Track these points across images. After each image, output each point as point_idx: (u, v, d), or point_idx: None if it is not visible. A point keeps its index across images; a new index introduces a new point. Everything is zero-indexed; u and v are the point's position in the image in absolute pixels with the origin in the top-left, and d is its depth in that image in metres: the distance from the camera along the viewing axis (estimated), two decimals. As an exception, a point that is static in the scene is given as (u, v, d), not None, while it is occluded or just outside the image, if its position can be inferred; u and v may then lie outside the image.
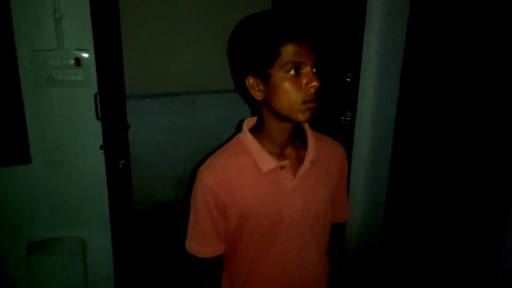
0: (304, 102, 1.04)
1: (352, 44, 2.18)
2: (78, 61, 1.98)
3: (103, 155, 2.05)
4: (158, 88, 3.11)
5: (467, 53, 1.74)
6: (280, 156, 1.17)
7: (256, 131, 1.19)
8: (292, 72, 1.03)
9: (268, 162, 1.14)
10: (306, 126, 1.23)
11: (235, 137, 1.22)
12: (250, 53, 1.07)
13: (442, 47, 1.85)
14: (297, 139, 1.20)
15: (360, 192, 2.34)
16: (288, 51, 1.01)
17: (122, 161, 1.99)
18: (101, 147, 2.02)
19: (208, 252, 1.22)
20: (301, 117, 1.06)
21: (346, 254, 2.28)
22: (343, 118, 2.27)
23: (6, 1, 1.86)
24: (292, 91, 1.03)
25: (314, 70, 1.04)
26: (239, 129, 1.22)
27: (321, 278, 1.32)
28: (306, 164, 1.17)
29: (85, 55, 1.99)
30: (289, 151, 1.18)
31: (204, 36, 3.08)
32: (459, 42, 1.78)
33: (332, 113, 2.29)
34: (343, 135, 2.30)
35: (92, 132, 2.06)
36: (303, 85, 1.03)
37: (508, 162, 1.58)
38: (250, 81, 1.10)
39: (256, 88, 1.10)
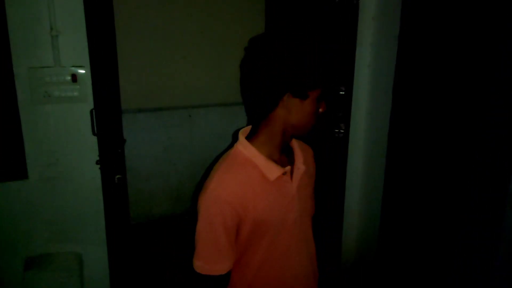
0: (314, 123, 1.19)
1: (344, 58, 2.21)
2: (74, 77, 2.01)
3: (99, 170, 2.06)
4: (154, 102, 3.13)
5: (457, 67, 1.77)
6: (280, 162, 1.23)
7: (252, 140, 1.22)
8: (321, 99, 1.18)
9: (274, 171, 1.19)
10: None
11: (234, 148, 1.23)
12: (302, 74, 1.14)
13: (433, 60, 1.89)
14: (285, 147, 1.27)
15: (355, 204, 2.35)
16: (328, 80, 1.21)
17: (118, 176, 2.00)
18: (97, 162, 2.04)
19: (225, 268, 1.19)
20: (306, 131, 1.21)
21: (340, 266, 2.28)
22: (336, 130, 2.29)
23: (3, 18, 1.89)
24: (314, 113, 1.17)
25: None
26: (234, 139, 1.25)
27: (315, 273, 1.38)
28: (301, 167, 1.25)
29: (81, 71, 2.02)
30: (282, 157, 1.25)
31: (200, 50, 3.12)
32: (450, 56, 1.81)
33: (326, 125, 2.32)
34: (337, 147, 2.32)
35: (88, 147, 2.08)
36: (319, 109, 1.19)
37: (499, 177, 1.60)
38: (285, 98, 1.14)
39: (285, 105, 1.15)
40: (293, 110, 1.15)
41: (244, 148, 1.21)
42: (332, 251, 2.48)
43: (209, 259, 1.18)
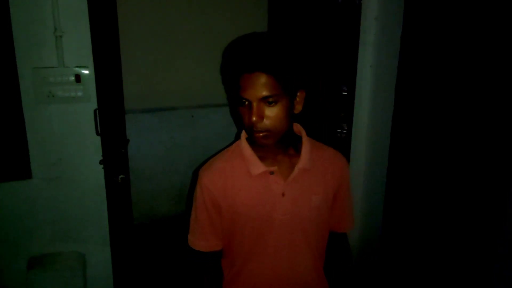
0: (251, 130, 1.16)
1: (347, 58, 2.21)
2: (78, 77, 2.01)
3: (102, 170, 2.07)
4: (157, 102, 3.14)
5: (460, 66, 1.78)
6: (273, 161, 1.26)
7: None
8: (243, 103, 1.15)
9: (257, 167, 1.24)
10: (303, 134, 1.32)
11: (235, 143, 1.33)
12: (223, 81, 1.22)
13: (436, 60, 1.89)
14: (290, 147, 1.28)
15: (357, 204, 2.36)
16: (240, 86, 1.14)
17: (122, 176, 2.00)
18: (100, 162, 2.04)
19: (206, 246, 1.31)
20: (255, 140, 1.18)
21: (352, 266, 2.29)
22: (339, 131, 2.30)
23: (7, 19, 1.90)
24: (243, 119, 1.17)
25: (269, 101, 1.12)
26: (239, 136, 1.33)
27: (315, 285, 1.36)
28: (296, 171, 1.25)
29: (85, 71, 2.02)
30: (281, 157, 1.27)
31: (202, 50, 3.12)
32: (452, 55, 1.81)
33: (328, 126, 2.32)
34: (340, 147, 2.32)
35: (91, 147, 2.09)
36: (249, 116, 1.14)
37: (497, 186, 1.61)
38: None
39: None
40: None
41: (240, 142, 1.30)
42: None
43: (194, 234, 1.32)
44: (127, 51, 2.50)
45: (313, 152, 1.29)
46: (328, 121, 2.35)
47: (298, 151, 1.29)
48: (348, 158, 2.31)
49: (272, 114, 1.13)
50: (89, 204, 2.19)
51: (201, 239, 1.31)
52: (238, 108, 1.18)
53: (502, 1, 1.57)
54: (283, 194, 1.24)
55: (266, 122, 1.13)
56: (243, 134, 1.31)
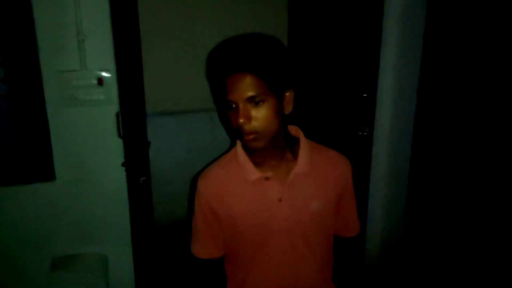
0: (240, 134, 1.14)
1: (368, 59, 2.19)
2: (100, 80, 2.04)
3: (124, 172, 2.09)
4: (177, 105, 3.15)
5: (485, 66, 1.74)
6: (269, 167, 1.24)
7: None
8: (230, 107, 1.13)
9: (252, 173, 1.23)
10: (301, 137, 1.29)
11: (232, 149, 1.32)
12: (210, 86, 1.21)
13: (459, 61, 1.86)
14: (285, 151, 1.26)
15: (379, 207, 2.33)
16: (224, 90, 1.12)
17: (143, 178, 2.02)
18: (122, 164, 2.06)
19: (205, 253, 1.32)
20: (246, 144, 1.16)
21: (363, 268, 2.26)
22: (360, 133, 2.27)
23: (31, 23, 1.93)
24: (231, 123, 1.15)
25: (254, 102, 1.10)
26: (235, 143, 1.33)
27: None
28: (292, 175, 1.23)
29: (107, 74, 2.05)
30: (277, 162, 1.25)
31: (222, 54, 3.13)
32: (476, 56, 1.78)
33: (349, 128, 2.30)
34: (361, 149, 2.30)
35: (114, 149, 2.11)
36: (236, 119, 1.12)
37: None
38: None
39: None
40: None
41: (236, 148, 1.29)
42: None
43: (196, 242, 1.33)
44: (148, 54, 2.52)
45: (312, 155, 1.26)
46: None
47: (296, 155, 1.26)
48: (369, 161, 2.29)
49: (259, 115, 1.11)
50: (111, 206, 2.21)
51: (201, 246, 1.32)
52: (227, 113, 1.16)
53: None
54: (280, 200, 1.22)
55: (254, 123, 1.11)
56: (239, 141, 1.29)
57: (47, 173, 2.10)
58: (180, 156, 3.26)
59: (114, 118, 2.06)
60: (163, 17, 2.89)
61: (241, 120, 1.10)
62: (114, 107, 2.06)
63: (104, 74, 2.04)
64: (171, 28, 2.94)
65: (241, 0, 3.04)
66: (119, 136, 2.05)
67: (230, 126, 1.18)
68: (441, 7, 1.92)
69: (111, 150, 2.12)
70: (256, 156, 1.23)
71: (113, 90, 2.05)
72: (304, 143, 1.27)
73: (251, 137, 1.12)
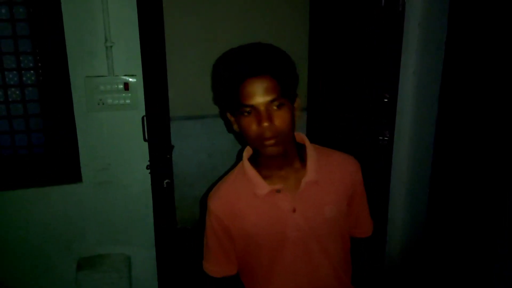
0: (260, 139, 1.09)
1: (389, 64, 2.20)
2: (126, 86, 2.10)
3: (148, 175, 2.13)
4: (199, 110, 3.20)
5: (507, 71, 1.74)
6: (278, 178, 1.21)
7: (254, 158, 1.26)
8: (246, 112, 1.09)
9: (262, 187, 1.20)
10: (307, 142, 1.27)
11: (239, 164, 1.29)
12: (219, 93, 1.16)
13: (481, 66, 1.86)
14: (295, 160, 1.23)
15: (399, 213, 2.33)
16: (240, 94, 1.08)
17: (167, 181, 2.06)
18: (147, 167, 2.11)
19: (219, 271, 1.29)
20: (263, 151, 1.12)
21: (379, 268, 2.25)
22: (381, 138, 2.28)
23: (61, 31, 2.00)
24: (248, 129, 1.10)
25: (274, 106, 1.07)
26: (241, 157, 1.29)
27: None
28: (303, 185, 1.20)
29: (133, 80, 2.11)
30: (286, 172, 1.22)
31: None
32: (498, 61, 1.77)
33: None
34: (381, 154, 2.31)
35: (139, 153, 2.16)
36: (256, 124, 1.08)
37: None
38: (228, 115, 1.19)
39: (233, 123, 1.18)
40: (239, 127, 1.16)
41: (243, 162, 1.26)
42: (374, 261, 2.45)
43: (209, 261, 1.30)
44: (172, 59, 2.58)
45: (320, 161, 1.24)
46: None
47: (303, 163, 1.24)
48: (389, 165, 2.29)
49: (280, 118, 1.08)
50: (136, 208, 2.27)
51: (214, 265, 1.29)
52: (239, 119, 1.12)
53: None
54: (294, 210, 1.19)
55: (276, 126, 1.08)
56: (245, 155, 1.27)
57: (74, 175, 2.16)
58: (202, 159, 3.30)
59: (139, 122, 2.12)
60: (187, 23, 2.95)
61: (266, 124, 1.06)
62: (140, 111, 2.12)
63: (129, 79, 2.10)
64: (194, 34, 3.00)
65: (262, 6, 3.08)
66: (144, 139, 2.10)
67: (240, 135, 1.15)
68: (463, 12, 1.92)
69: (136, 153, 2.17)
70: (265, 168, 1.22)
71: (138, 95, 2.10)
72: (310, 150, 1.25)
73: (272, 141, 1.09)
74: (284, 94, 1.09)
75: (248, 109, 1.08)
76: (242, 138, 1.17)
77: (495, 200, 1.80)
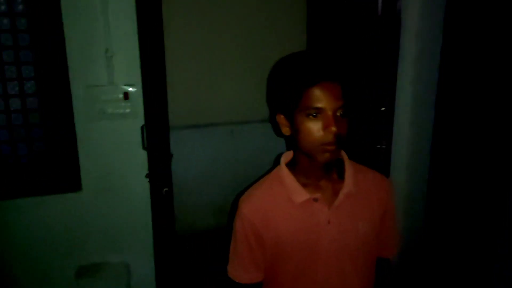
0: (322, 144, 1.08)
1: (386, 74, 2.22)
2: (126, 95, 2.12)
3: (147, 183, 2.15)
4: (199, 119, 3.22)
5: (503, 82, 1.76)
6: (315, 188, 1.19)
7: (292, 164, 1.24)
8: (312, 115, 1.07)
9: (300, 194, 1.18)
10: (345, 158, 1.25)
11: (274, 169, 1.27)
12: (279, 94, 1.15)
13: (477, 75, 1.88)
14: (333, 171, 1.22)
15: (398, 222, 2.34)
16: (310, 95, 1.06)
17: (166, 189, 2.08)
18: (146, 176, 2.12)
19: (246, 278, 1.26)
20: (319, 157, 1.10)
21: None
22: (378, 146, 2.29)
23: (62, 41, 2.03)
24: (311, 133, 1.08)
25: (339, 113, 1.07)
26: (277, 162, 1.28)
27: None
28: (341, 196, 1.19)
29: (132, 89, 2.13)
30: (324, 183, 1.21)
31: (242, 68, 3.20)
32: (493, 71, 1.80)
33: (368, 141, 2.32)
34: (379, 163, 2.32)
35: (138, 161, 2.18)
36: (322, 129, 1.07)
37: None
38: (280, 117, 1.17)
39: (285, 125, 1.17)
40: (293, 130, 1.14)
41: (279, 168, 1.25)
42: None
43: (235, 266, 1.27)
44: (171, 69, 2.60)
45: (357, 176, 1.23)
46: (367, 137, 2.35)
47: (340, 176, 1.22)
48: (387, 175, 2.31)
49: (343, 125, 1.08)
50: (135, 216, 2.28)
51: (241, 271, 1.26)
52: (300, 122, 1.10)
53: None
54: (328, 222, 1.18)
55: (340, 133, 1.07)
56: (283, 160, 1.26)
57: (74, 184, 2.18)
58: (201, 168, 3.32)
59: (139, 131, 2.13)
60: (187, 33, 2.98)
61: (334, 128, 1.05)
62: (139, 121, 2.14)
63: (129, 88, 2.13)
64: (194, 43, 3.03)
65: (261, 16, 3.11)
66: (144, 148, 2.12)
67: (290, 138, 1.14)
68: (458, 23, 1.95)
69: (135, 162, 2.19)
70: (303, 176, 1.20)
71: (138, 104, 2.13)
72: (348, 163, 1.24)
73: (334, 147, 1.08)
74: (347, 103, 1.09)
75: (314, 112, 1.07)
76: (293, 142, 1.17)
77: (495, 201, 1.81)
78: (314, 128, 1.08)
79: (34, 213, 2.16)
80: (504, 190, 1.76)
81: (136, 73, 2.09)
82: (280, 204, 1.20)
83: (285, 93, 1.12)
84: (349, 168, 1.23)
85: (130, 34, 2.06)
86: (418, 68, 2.12)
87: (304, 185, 1.19)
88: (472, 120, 1.91)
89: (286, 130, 1.17)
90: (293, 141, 1.16)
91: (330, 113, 1.06)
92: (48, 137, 2.17)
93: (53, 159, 2.18)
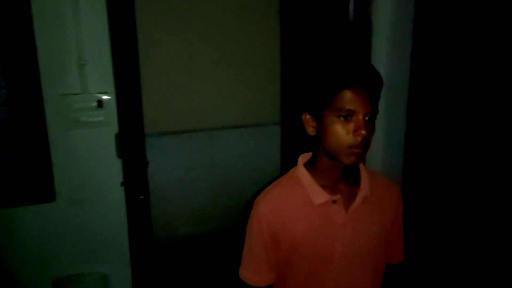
0: (350, 147, 1.08)
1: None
2: (100, 103, 2.10)
3: (123, 192, 2.13)
4: (176, 125, 3.21)
5: (472, 83, 1.80)
6: (333, 190, 1.19)
7: (310, 165, 1.23)
8: (343, 117, 1.07)
9: (320, 196, 1.18)
10: (360, 163, 1.24)
11: (291, 170, 1.27)
12: (310, 93, 1.14)
13: (447, 79, 1.92)
14: (349, 175, 1.21)
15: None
16: (343, 97, 1.06)
17: (142, 197, 2.06)
18: (121, 184, 2.10)
19: (260, 281, 1.25)
20: (345, 159, 1.10)
21: None
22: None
23: (34, 49, 2.00)
24: (340, 134, 1.08)
25: (366, 118, 1.07)
26: (291, 163, 1.28)
27: None
28: (359, 199, 1.19)
29: (106, 97, 2.11)
30: (341, 186, 1.20)
31: (218, 74, 3.20)
32: (464, 74, 1.84)
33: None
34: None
35: (113, 170, 2.16)
36: (351, 131, 1.07)
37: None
38: (307, 117, 1.17)
39: (310, 124, 1.16)
40: (319, 130, 1.14)
41: (297, 169, 1.24)
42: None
43: (249, 268, 1.26)
44: (147, 75, 2.59)
45: (371, 181, 1.23)
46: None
47: (355, 180, 1.22)
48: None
49: (371, 130, 1.08)
50: (111, 225, 2.25)
51: (255, 273, 1.25)
52: (329, 123, 1.10)
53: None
54: (344, 225, 1.18)
55: (368, 138, 1.08)
56: (301, 161, 1.26)
57: (47, 195, 2.14)
58: (180, 175, 3.31)
59: (113, 139, 2.12)
60: (162, 40, 2.98)
61: (363, 132, 1.05)
62: (114, 129, 2.12)
63: (103, 96, 2.11)
64: (169, 49, 3.03)
65: (236, 24, 3.13)
66: (118, 156, 2.10)
67: (315, 138, 1.15)
68: (428, 25, 1.99)
69: (110, 170, 2.17)
70: (322, 178, 1.20)
71: (112, 112, 2.11)
72: (363, 167, 1.25)
73: (361, 151, 1.08)
74: (375, 109, 1.10)
75: (346, 113, 1.07)
76: (316, 142, 1.17)
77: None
78: (344, 130, 1.08)
79: (7, 226, 2.11)
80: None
81: (110, 81, 2.07)
82: (298, 205, 1.20)
83: (317, 92, 1.11)
84: (364, 172, 1.24)
85: (103, 41, 2.04)
86: (390, 72, 2.15)
87: (323, 187, 1.19)
88: (444, 123, 1.95)
89: (311, 130, 1.17)
90: (317, 141, 1.17)
91: (361, 117, 1.06)
92: (21, 147, 2.13)
93: (26, 170, 2.14)
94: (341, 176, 1.19)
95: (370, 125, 1.08)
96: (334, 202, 1.17)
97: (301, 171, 1.23)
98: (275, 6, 3.08)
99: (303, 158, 1.27)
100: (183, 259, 3.17)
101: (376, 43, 2.17)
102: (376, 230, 1.22)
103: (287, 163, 3.25)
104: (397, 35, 2.12)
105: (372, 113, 1.08)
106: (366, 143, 1.08)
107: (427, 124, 1.97)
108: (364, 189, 1.20)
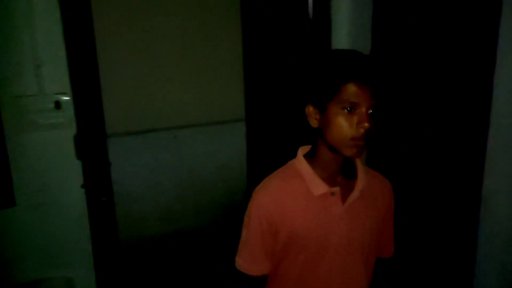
0: (352, 139, 1.08)
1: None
2: (57, 104, 2.06)
3: (85, 194, 2.10)
4: (139, 125, 3.18)
5: (428, 76, 1.86)
6: (332, 182, 1.21)
7: (309, 157, 1.24)
8: (347, 109, 1.08)
9: (319, 187, 1.19)
10: (356, 158, 1.25)
11: (289, 162, 1.28)
12: (315, 85, 1.13)
13: (404, 72, 1.97)
14: (347, 169, 1.23)
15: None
16: (348, 90, 1.06)
17: (104, 198, 2.03)
18: (82, 186, 2.07)
19: (255, 270, 1.25)
20: (347, 152, 1.11)
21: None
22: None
23: (-14, 51, 1.94)
24: (343, 126, 1.08)
25: (370, 111, 1.08)
26: (290, 155, 1.28)
27: None
28: (356, 192, 1.21)
29: (65, 98, 2.07)
30: (339, 179, 1.22)
31: (183, 71, 3.19)
32: (419, 68, 1.89)
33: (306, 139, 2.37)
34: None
35: (73, 172, 2.11)
36: (354, 123, 1.07)
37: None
38: (310, 109, 1.16)
39: (313, 117, 1.16)
40: (322, 122, 1.14)
41: (297, 161, 1.25)
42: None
43: (245, 258, 1.26)
44: (107, 75, 2.55)
45: (366, 175, 1.25)
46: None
47: (352, 174, 1.24)
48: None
49: (373, 124, 1.09)
50: (75, 228, 2.20)
51: (251, 262, 1.25)
52: (333, 115, 1.10)
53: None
54: (341, 217, 1.20)
55: (370, 131, 1.09)
56: (300, 153, 1.26)
57: (7, 200, 2.08)
58: (145, 175, 3.28)
59: (73, 141, 2.08)
60: (122, 36, 2.94)
61: (367, 124, 1.06)
62: (73, 130, 2.08)
63: (61, 97, 2.06)
64: (131, 47, 2.99)
65: (198, 20, 3.12)
66: (77, 158, 2.06)
67: (316, 130, 1.15)
68: (385, 21, 2.04)
69: (71, 173, 2.12)
70: (321, 170, 1.21)
71: (70, 113, 2.07)
72: (359, 162, 1.26)
73: (363, 143, 1.09)
74: (377, 104, 1.11)
75: (350, 106, 1.07)
76: (318, 134, 1.17)
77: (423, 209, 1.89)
78: (347, 122, 1.08)
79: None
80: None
81: (67, 81, 2.03)
82: (297, 195, 1.20)
83: (322, 84, 1.11)
84: (361, 167, 1.26)
85: (59, 40, 1.99)
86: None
87: (322, 179, 1.20)
88: (404, 119, 2.00)
89: (314, 122, 1.16)
90: (319, 133, 1.17)
91: (364, 109, 1.07)
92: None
93: (-17, 175, 2.08)
94: (340, 169, 1.21)
95: (372, 118, 1.09)
96: (333, 194, 1.19)
97: (301, 163, 1.23)
98: (237, 3, 3.08)
99: (303, 150, 1.28)
100: (151, 260, 3.15)
101: (336, 39, 2.21)
102: (369, 224, 1.24)
103: (254, 160, 3.27)
104: (357, 31, 2.16)
105: (376, 107, 1.10)
106: (368, 135, 1.09)
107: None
108: (361, 182, 1.22)
